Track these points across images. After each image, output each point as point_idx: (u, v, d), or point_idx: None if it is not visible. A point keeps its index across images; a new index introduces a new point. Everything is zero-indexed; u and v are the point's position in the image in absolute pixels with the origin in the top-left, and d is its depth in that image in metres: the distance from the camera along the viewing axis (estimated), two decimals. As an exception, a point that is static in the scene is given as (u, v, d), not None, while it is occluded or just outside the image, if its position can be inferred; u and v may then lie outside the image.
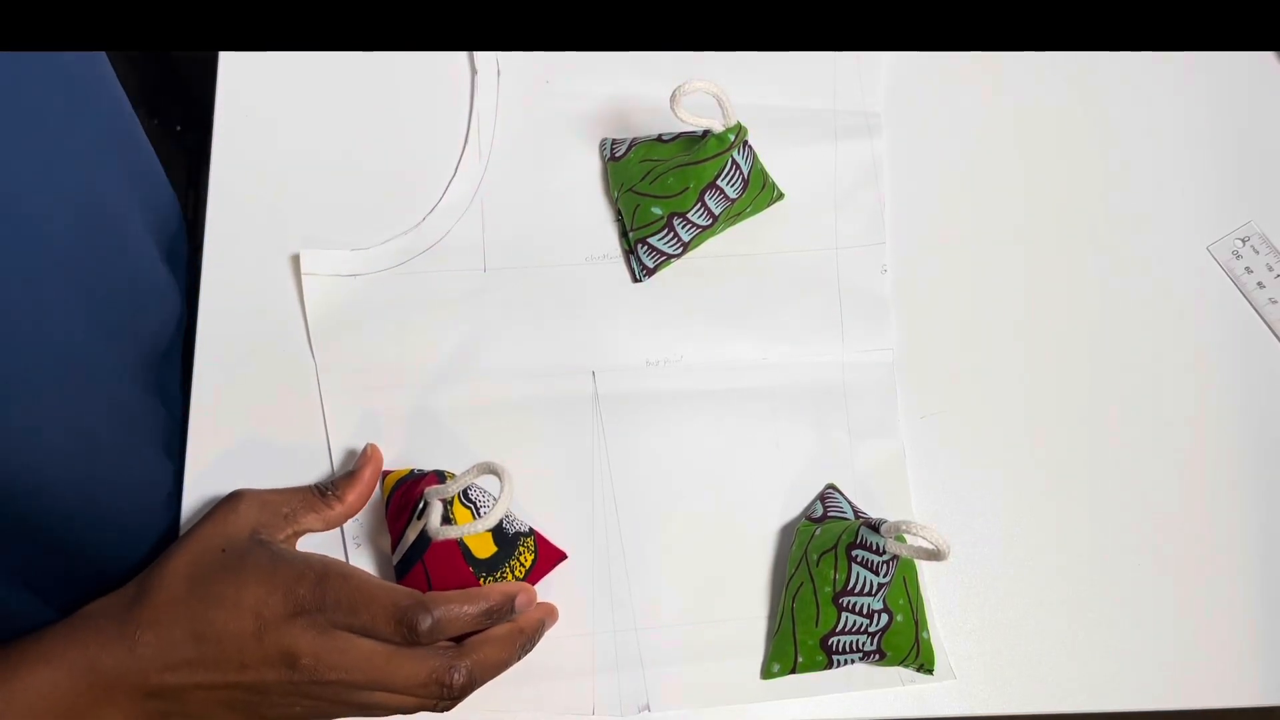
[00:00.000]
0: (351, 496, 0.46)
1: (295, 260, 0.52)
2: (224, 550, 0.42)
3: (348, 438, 0.50)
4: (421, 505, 0.44)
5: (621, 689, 0.47)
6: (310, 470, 0.49)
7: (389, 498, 0.47)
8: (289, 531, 0.45)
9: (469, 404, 0.51)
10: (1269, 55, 0.60)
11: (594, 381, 0.51)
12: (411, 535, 0.44)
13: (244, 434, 0.50)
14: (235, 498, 0.45)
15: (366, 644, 0.41)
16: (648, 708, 0.47)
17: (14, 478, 0.39)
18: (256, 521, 0.44)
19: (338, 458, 0.49)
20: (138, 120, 0.51)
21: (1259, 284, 0.55)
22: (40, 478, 0.41)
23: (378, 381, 0.51)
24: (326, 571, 0.41)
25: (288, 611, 0.40)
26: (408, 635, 0.40)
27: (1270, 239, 0.55)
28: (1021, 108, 0.58)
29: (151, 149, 0.54)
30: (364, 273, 0.52)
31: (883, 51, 0.58)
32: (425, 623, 0.40)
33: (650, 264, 0.53)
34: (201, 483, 0.49)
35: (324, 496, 0.46)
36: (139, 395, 0.49)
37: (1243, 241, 0.56)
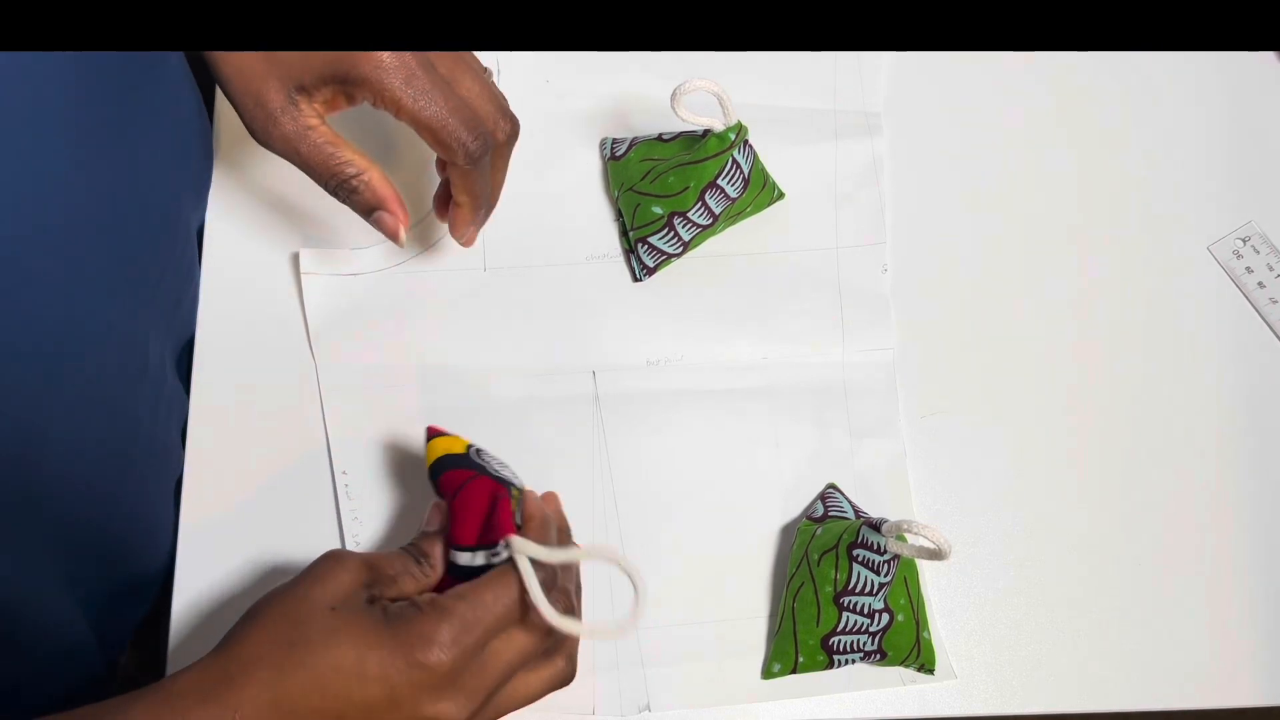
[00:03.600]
0: (442, 569, 0.43)
1: (295, 260, 0.52)
2: (333, 609, 0.38)
3: (348, 438, 0.50)
4: (504, 553, 0.40)
5: (621, 689, 0.47)
6: (309, 470, 0.49)
7: (437, 477, 0.43)
8: (394, 593, 0.40)
9: (469, 404, 0.51)
10: (1269, 55, 0.60)
11: (594, 381, 0.51)
12: (477, 561, 0.41)
13: (243, 433, 0.50)
14: (337, 557, 0.40)
15: (501, 651, 0.38)
16: (648, 708, 0.47)
17: (16, 463, 0.38)
18: (367, 580, 0.40)
19: (337, 459, 0.49)
20: (199, 96, 0.51)
21: (1259, 284, 0.55)
22: (49, 460, 0.40)
23: (377, 381, 0.51)
24: (441, 615, 0.38)
25: (419, 681, 0.37)
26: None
27: (1270, 239, 0.55)
28: (1021, 108, 0.58)
29: (206, 118, 0.53)
30: (364, 272, 0.52)
31: (883, 51, 0.58)
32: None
33: (651, 263, 0.53)
34: (200, 480, 0.49)
35: (419, 564, 0.42)
36: (180, 380, 0.49)
37: (1243, 241, 0.56)
